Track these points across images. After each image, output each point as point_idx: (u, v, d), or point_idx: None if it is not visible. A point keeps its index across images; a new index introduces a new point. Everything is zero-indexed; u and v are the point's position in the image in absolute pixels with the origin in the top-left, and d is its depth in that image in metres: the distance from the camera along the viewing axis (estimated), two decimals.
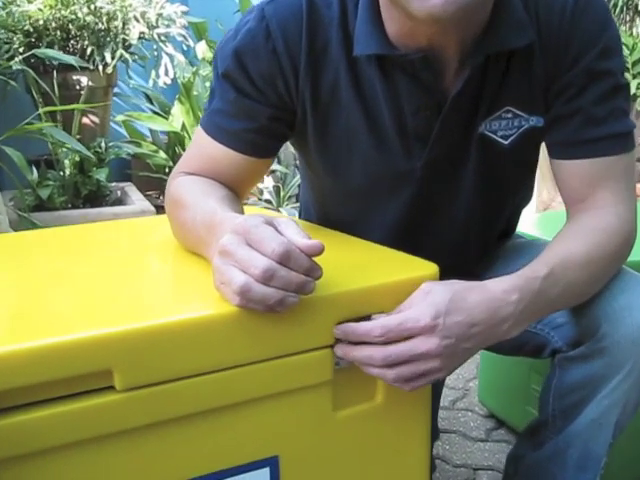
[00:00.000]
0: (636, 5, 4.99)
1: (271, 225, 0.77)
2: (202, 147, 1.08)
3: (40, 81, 2.58)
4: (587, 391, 1.03)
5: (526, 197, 1.26)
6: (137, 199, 2.87)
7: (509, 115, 1.04)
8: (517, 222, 1.32)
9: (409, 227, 1.14)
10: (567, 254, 0.97)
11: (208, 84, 3.44)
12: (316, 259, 0.77)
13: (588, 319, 1.02)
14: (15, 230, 2.15)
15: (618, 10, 5.04)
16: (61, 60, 2.51)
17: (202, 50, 3.89)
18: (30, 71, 2.45)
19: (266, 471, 0.83)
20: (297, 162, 3.66)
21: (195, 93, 3.31)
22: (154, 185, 3.38)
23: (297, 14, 1.00)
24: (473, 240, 1.19)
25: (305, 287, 0.76)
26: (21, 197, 2.44)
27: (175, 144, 3.30)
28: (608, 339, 0.98)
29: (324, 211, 1.24)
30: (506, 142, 1.05)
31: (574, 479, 1.06)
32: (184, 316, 0.76)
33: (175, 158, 3.31)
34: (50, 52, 2.46)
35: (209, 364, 0.77)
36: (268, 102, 1.03)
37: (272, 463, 0.83)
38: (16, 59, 2.54)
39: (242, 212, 1.02)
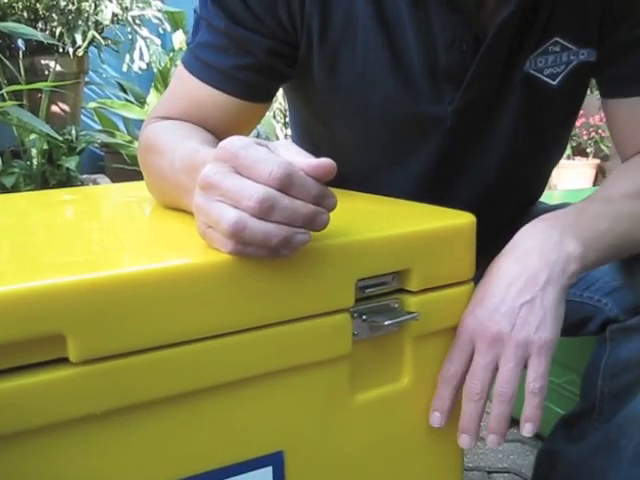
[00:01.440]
0: None
1: (264, 146, 0.59)
2: (184, 88, 0.91)
3: (7, 62, 2.38)
4: None
5: (562, 151, 1.10)
6: None
7: (557, 48, 0.89)
8: (546, 183, 1.15)
9: (432, 185, 0.97)
10: (612, 188, 0.86)
11: None
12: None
13: None
14: None
15: None
16: (27, 35, 2.31)
17: (179, 40, 3.74)
18: None
19: (268, 471, 0.65)
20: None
21: None
22: (129, 177, 3.19)
23: None
24: (504, 202, 1.04)
25: (316, 219, 0.58)
26: None
27: None
28: None
29: None
30: (554, 82, 0.91)
31: (632, 475, 0.89)
32: (159, 265, 0.57)
33: None
34: (15, 25, 2.26)
35: (192, 330, 0.58)
36: (266, 32, 0.86)
37: (275, 461, 0.65)
38: None
39: None
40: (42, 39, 2.26)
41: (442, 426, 0.72)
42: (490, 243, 0.98)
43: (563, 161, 3.74)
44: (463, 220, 0.73)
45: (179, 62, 0.92)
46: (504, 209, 1.04)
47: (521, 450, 1.55)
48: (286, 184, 0.56)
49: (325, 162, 0.58)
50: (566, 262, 0.73)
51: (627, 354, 0.88)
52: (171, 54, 3.26)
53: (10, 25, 2.26)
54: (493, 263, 0.76)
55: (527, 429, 0.71)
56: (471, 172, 0.98)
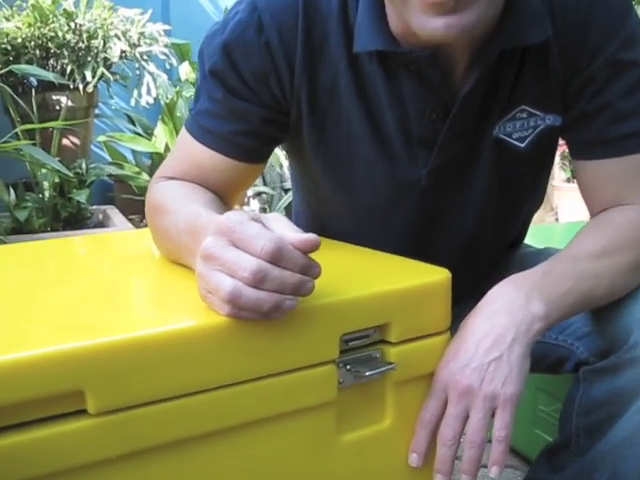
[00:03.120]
0: None
1: (258, 221, 0.68)
2: (186, 150, 0.99)
3: (19, 99, 2.48)
4: (616, 406, 0.93)
5: (539, 200, 1.18)
6: (119, 222, 2.77)
7: (524, 115, 0.96)
8: (527, 229, 1.24)
9: (415, 238, 1.05)
10: (578, 247, 0.92)
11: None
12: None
13: (617, 326, 0.93)
14: None
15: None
16: (39, 76, 2.42)
17: (185, 71, 3.83)
18: (7, 88, 2.35)
19: None
20: (283, 184, 3.59)
21: (178, 114, 3.23)
22: (137, 208, 3.28)
23: (292, 5, 0.91)
24: (484, 251, 1.11)
25: (303, 287, 0.66)
26: None
27: (158, 166, 3.21)
28: None
29: (321, 224, 1.14)
30: (523, 145, 0.98)
31: None
32: (166, 328, 0.65)
33: None
34: (28, 68, 2.37)
35: (195, 384, 0.67)
36: (260, 102, 0.95)
37: None
38: None
39: None
40: (53, 79, 2.35)
41: (419, 466, 0.80)
42: (474, 285, 1.06)
43: (564, 184, 3.80)
44: (439, 277, 0.81)
45: (182, 128, 1.01)
46: (485, 256, 1.12)
47: (512, 476, 1.61)
48: (276, 257, 0.64)
49: (311, 237, 0.66)
50: (531, 322, 0.81)
51: (598, 393, 0.95)
52: (177, 87, 3.35)
53: (23, 67, 2.36)
54: (466, 319, 0.84)
55: (493, 471, 0.79)
56: (449, 227, 1.05)
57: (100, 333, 0.63)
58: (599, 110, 0.94)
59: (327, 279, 0.70)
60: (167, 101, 3.17)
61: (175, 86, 3.52)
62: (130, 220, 3.19)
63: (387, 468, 0.81)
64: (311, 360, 0.72)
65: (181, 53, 3.85)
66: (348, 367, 0.75)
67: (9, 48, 2.73)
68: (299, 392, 0.72)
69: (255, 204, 3.39)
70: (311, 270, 0.67)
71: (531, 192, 1.11)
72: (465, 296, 1.07)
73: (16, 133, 2.33)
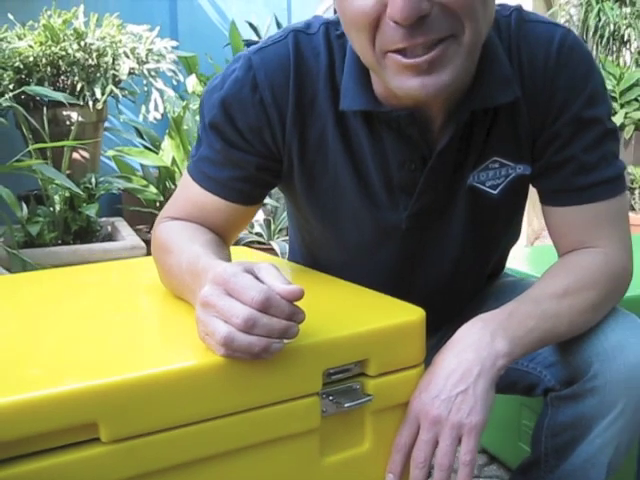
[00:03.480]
0: (622, 36, 5.06)
1: (250, 272, 0.78)
2: (189, 193, 1.08)
3: (30, 118, 2.58)
4: (579, 431, 1.03)
5: (514, 236, 1.27)
6: (127, 234, 2.87)
7: (496, 165, 1.05)
8: (506, 261, 1.33)
9: (398, 274, 1.14)
10: (543, 287, 1.01)
11: (198, 118, 3.45)
12: (303, 303, 0.77)
13: (579, 358, 1.02)
14: (5, 268, 2.14)
15: (605, 40, 5.11)
16: (50, 97, 2.52)
17: (192, 84, 3.91)
18: (20, 108, 2.45)
19: None
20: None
21: (185, 127, 3.31)
22: (145, 219, 3.38)
23: (284, 65, 1.00)
24: (463, 284, 1.20)
25: (288, 332, 0.76)
26: (10, 234, 2.44)
27: (166, 179, 3.30)
28: (599, 379, 0.99)
29: (312, 255, 1.24)
30: (495, 192, 1.06)
31: None
32: (169, 367, 0.75)
33: (165, 193, 3.32)
34: (39, 89, 2.47)
35: (196, 414, 0.76)
36: (255, 152, 1.04)
37: None
38: (6, 96, 2.55)
39: (228, 256, 1.03)
40: (63, 100, 2.45)
41: None
42: (454, 314, 1.16)
43: None
44: (414, 316, 0.91)
45: (185, 171, 1.10)
46: (463, 288, 1.21)
47: None
48: (265, 306, 0.74)
49: (295, 289, 0.75)
50: (495, 358, 0.90)
51: (563, 418, 1.05)
52: (184, 102, 3.44)
53: (36, 88, 2.46)
54: (437, 355, 0.93)
55: None
56: (429, 264, 1.14)
57: (112, 372, 0.73)
58: (564, 163, 1.02)
59: (313, 318, 0.80)
60: (174, 115, 3.26)
61: (182, 98, 3.61)
62: (138, 230, 3.29)
63: None
64: (297, 393, 0.82)
65: (188, 66, 3.94)
66: (331, 398, 0.84)
67: (21, 66, 2.83)
68: (287, 420, 0.82)
69: (260, 214, 3.48)
70: (296, 316, 0.76)
71: (505, 231, 1.19)
72: (446, 323, 1.16)
73: (29, 151, 2.43)
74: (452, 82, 0.88)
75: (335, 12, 0.95)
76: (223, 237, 1.08)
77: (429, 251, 1.12)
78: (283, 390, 0.81)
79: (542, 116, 1.01)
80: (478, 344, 0.91)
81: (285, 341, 0.77)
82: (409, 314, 0.91)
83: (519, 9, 1.02)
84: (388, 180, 1.04)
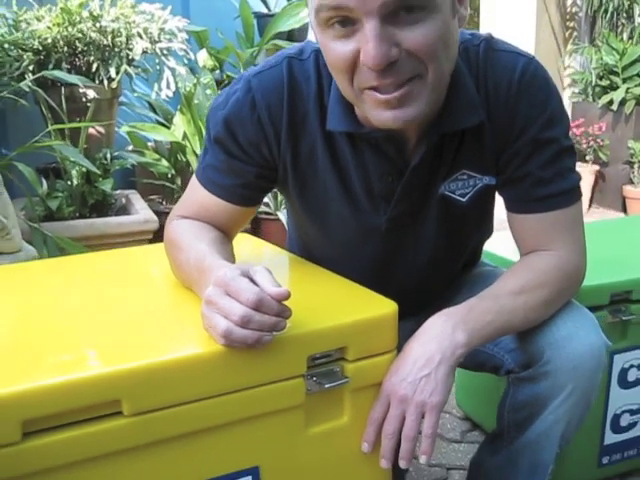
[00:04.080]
0: (626, 10, 5.12)
1: (246, 276, 0.93)
2: (197, 195, 1.23)
3: (48, 98, 2.73)
4: (535, 408, 1.18)
5: (487, 232, 1.41)
6: (141, 208, 3.02)
7: (464, 177, 1.18)
8: (480, 253, 1.47)
9: (380, 268, 1.29)
10: (502, 285, 1.15)
11: (209, 92, 3.57)
12: (292, 296, 0.91)
13: (535, 346, 1.16)
14: (27, 241, 2.28)
15: (609, 15, 5.17)
16: (68, 81, 2.67)
17: (203, 58, 4.03)
18: (40, 91, 2.60)
19: (249, 479, 0.99)
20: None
21: (196, 101, 3.43)
22: (157, 190, 3.54)
23: (279, 87, 1.14)
24: (436, 277, 1.35)
25: (277, 326, 0.92)
26: (31, 208, 2.60)
27: (177, 152, 3.45)
28: (551, 364, 1.14)
29: (307, 248, 1.39)
30: (464, 199, 1.20)
31: None
32: (179, 354, 0.92)
33: (177, 165, 3.46)
34: (58, 73, 2.61)
35: (201, 392, 0.92)
36: (254, 163, 1.18)
37: (254, 472, 0.99)
38: (27, 80, 2.69)
39: (231, 252, 1.18)
40: (79, 83, 2.60)
41: (369, 452, 1.06)
42: (430, 302, 1.31)
43: None
44: (387, 310, 1.06)
45: (194, 176, 1.24)
46: (438, 280, 1.36)
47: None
48: (258, 305, 0.90)
49: (282, 291, 0.91)
50: (455, 348, 1.04)
51: (522, 397, 1.20)
52: (195, 77, 3.55)
53: (54, 72, 2.61)
54: (407, 343, 1.07)
55: (423, 460, 1.04)
56: (407, 262, 1.29)
57: (133, 358, 0.90)
58: (523, 177, 1.16)
59: (299, 311, 0.96)
60: (185, 92, 3.38)
61: (193, 72, 3.72)
62: (150, 200, 3.44)
63: (345, 454, 1.07)
64: (285, 375, 0.98)
65: (199, 40, 4.03)
66: (314, 379, 1.00)
67: (40, 48, 2.96)
68: (277, 398, 0.98)
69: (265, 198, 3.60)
70: (283, 313, 0.92)
71: (475, 232, 1.34)
72: (424, 309, 1.31)
73: (48, 131, 2.59)
74: (419, 114, 1.01)
75: None
76: (226, 233, 1.24)
77: (406, 250, 1.27)
78: (274, 372, 0.97)
79: (504, 137, 1.14)
80: (441, 335, 1.05)
81: (275, 333, 0.92)
82: (384, 307, 1.07)
83: (488, 39, 1.14)
84: (370, 189, 1.19)
